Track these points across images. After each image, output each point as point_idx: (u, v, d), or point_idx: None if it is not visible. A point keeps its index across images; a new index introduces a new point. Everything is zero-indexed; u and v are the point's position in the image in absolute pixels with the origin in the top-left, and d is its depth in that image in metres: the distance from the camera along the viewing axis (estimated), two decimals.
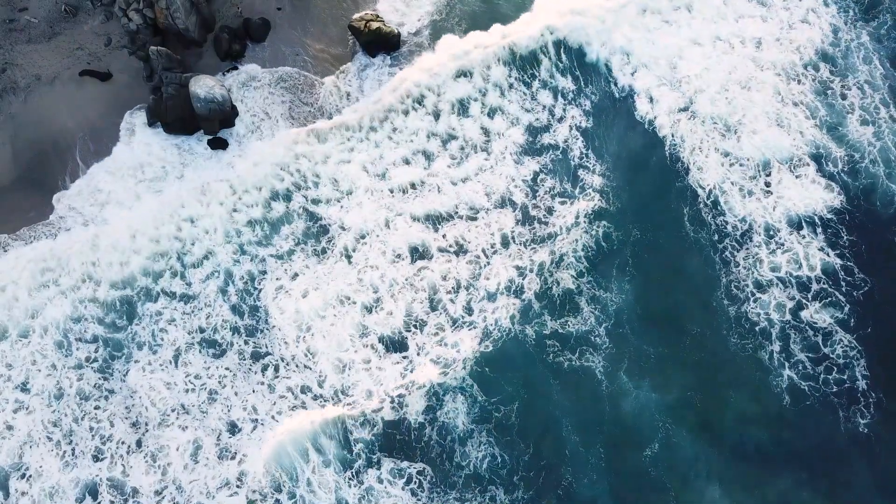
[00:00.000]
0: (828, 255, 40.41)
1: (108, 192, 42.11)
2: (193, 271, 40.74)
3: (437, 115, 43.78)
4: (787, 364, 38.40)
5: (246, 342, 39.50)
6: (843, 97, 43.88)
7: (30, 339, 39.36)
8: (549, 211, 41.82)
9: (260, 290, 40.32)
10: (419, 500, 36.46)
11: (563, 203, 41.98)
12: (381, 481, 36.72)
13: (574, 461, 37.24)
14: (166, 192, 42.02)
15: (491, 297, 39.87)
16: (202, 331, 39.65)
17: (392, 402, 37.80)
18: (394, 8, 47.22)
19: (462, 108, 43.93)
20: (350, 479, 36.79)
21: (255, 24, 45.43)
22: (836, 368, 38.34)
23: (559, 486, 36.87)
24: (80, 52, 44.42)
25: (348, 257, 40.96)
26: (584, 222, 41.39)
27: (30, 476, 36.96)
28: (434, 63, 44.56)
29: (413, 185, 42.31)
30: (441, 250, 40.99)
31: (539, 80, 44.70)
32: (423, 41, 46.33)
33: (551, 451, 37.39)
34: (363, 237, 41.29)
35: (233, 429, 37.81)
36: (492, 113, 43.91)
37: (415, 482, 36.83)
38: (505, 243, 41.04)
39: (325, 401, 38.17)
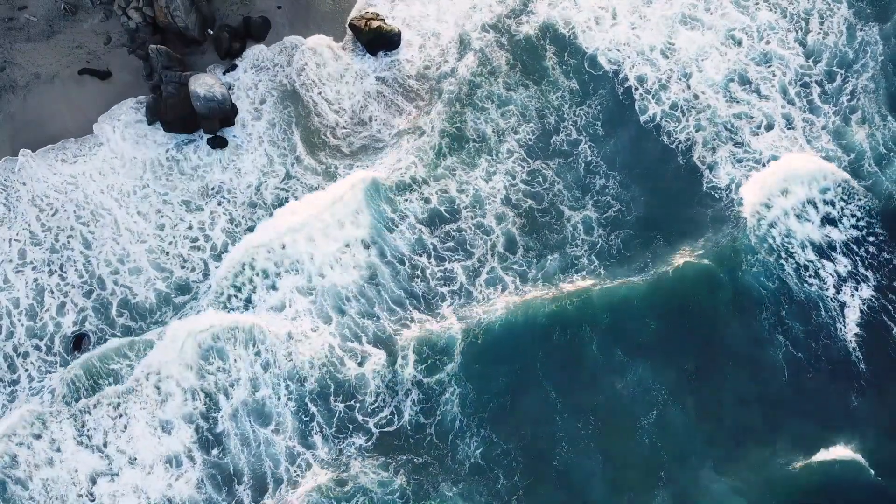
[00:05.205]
0: (835, 253, 40.65)
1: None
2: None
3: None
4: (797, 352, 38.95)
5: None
6: (852, 95, 43.59)
7: None
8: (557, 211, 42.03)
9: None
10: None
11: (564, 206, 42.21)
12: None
13: (568, 440, 37.60)
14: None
15: (487, 299, 40.04)
16: None
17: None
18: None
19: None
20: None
21: (256, 22, 45.26)
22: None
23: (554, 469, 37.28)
24: (79, 51, 44.26)
25: None
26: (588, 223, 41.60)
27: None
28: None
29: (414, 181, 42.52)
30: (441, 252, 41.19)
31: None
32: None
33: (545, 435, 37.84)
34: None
35: None
36: None
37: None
38: (511, 248, 41.14)
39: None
